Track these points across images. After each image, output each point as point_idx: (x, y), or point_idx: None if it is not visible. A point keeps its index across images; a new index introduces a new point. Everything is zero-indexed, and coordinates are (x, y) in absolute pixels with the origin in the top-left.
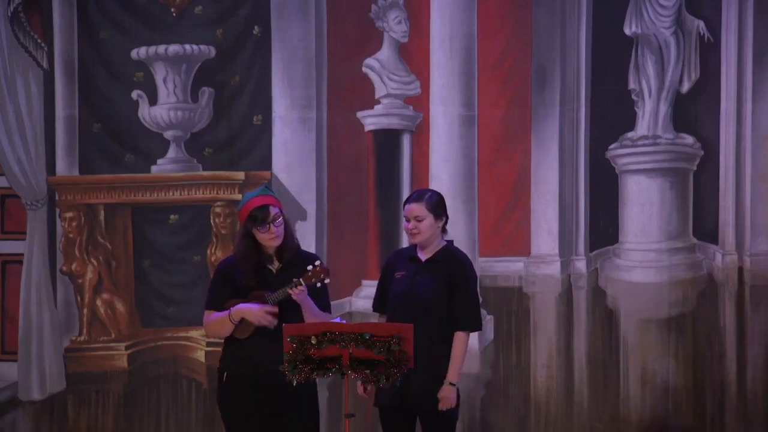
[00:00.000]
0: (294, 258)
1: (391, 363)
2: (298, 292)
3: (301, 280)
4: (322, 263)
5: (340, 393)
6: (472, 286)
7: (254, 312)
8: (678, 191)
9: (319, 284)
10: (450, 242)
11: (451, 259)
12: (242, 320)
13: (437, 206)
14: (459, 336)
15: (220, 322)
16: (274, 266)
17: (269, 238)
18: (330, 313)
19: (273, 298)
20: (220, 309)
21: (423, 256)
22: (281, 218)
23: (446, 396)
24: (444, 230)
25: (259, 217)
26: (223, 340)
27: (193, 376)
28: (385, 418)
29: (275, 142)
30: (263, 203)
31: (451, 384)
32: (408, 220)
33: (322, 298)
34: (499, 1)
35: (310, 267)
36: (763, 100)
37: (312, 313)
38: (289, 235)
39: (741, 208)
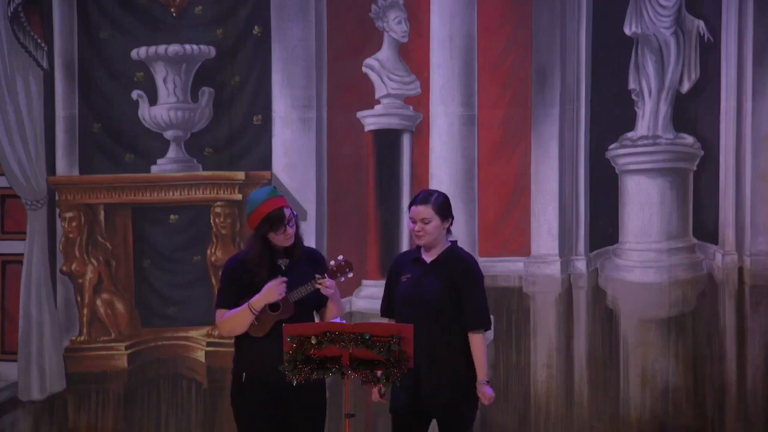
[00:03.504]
0: (301, 253)
1: (391, 363)
2: (329, 286)
3: (325, 275)
4: (345, 257)
5: (341, 393)
6: (479, 286)
7: (268, 291)
8: (678, 191)
9: (343, 279)
10: (454, 242)
11: (456, 259)
12: (259, 316)
13: (443, 207)
14: (475, 337)
15: (238, 317)
16: (284, 262)
17: (284, 239)
18: (342, 307)
19: (293, 296)
20: (232, 308)
21: (428, 257)
22: (293, 218)
23: (486, 394)
24: (449, 231)
25: (275, 220)
26: (232, 341)
27: (193, 376)
28: (399, 423)
29: (275, 142)
30: (277, 206)
31: (486, 382)
32: (414, 222)
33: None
34: (499, 1)
35: (333, 262)
36: (763, 100)
37: (338, 308)
38: (299, 233)
39: (741, 208)
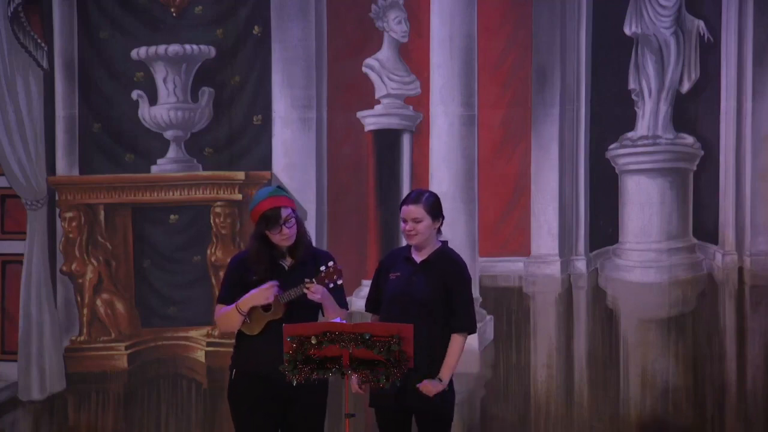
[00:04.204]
0: (306, 255)
1: (391, 363)
2: (314, 292)
3: (313, 280)
4: (334, 264)
5: (340, 393)
6: (468, 288)
7: (257, 294)
8: (678, 191)
9: (331, 285)
10: (445, 243)
11: (446, 260)
12: (252, 314)
13: (434, 207)
14: (455, 338)
15: (228, 315)
16: (287, 262)
17: (281, 239)
18: (347, 309)
19: (284, 298)
20: (230, 303)
21: (418, 257)
22: (293, 219)
23: (428, 386)
24: (439, 231)
25: (270, 219)
26: (233, 340)
27: (193, 376)
28: (382, 418)
29: (275, 142)
30: (274, 205)
31: (439, 379)
32: (405, 222)
33: (338, 295)
34: (499, 1)
35: (323, 268)
36: (763, 100)
37: (333, 311)
38: (301, 233)
39: (741, 208)
